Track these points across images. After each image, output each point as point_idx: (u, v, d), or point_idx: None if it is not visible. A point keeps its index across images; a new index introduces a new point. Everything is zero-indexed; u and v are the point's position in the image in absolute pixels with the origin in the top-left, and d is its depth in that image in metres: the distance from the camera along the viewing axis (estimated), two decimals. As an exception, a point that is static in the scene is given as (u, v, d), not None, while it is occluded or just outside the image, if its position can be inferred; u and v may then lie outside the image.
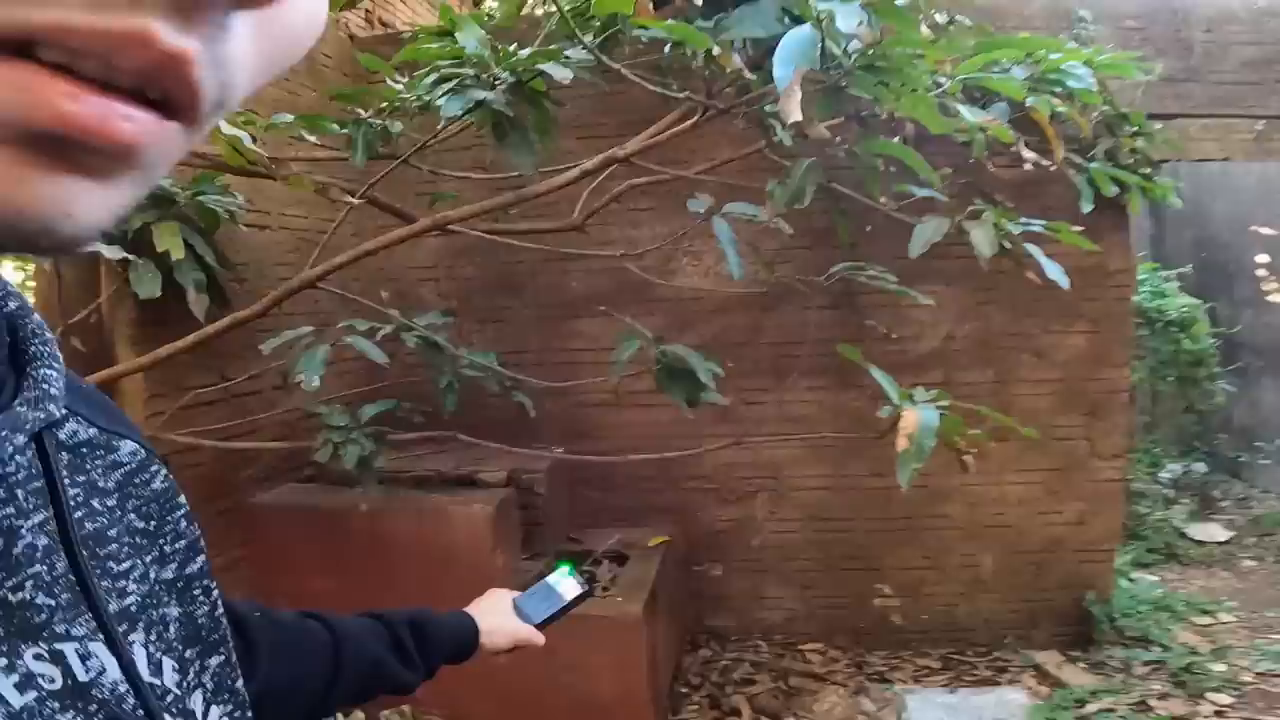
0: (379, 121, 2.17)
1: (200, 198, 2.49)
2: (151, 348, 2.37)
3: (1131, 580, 4.37)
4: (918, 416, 2.21)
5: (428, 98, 1.76)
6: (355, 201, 2.11)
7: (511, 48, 1.83)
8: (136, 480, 0.47)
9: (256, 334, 2.68)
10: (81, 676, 0.38)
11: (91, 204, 0.26)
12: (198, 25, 0.24)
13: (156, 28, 0.23)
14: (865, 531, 3.86)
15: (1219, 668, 3.53)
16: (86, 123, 0.23)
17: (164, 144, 0.27)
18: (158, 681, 0.43)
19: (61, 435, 0.43)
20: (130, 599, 0.43)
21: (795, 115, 1.17)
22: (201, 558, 0.50)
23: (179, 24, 0.24)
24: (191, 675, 0.45)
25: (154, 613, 0.44)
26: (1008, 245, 2.48)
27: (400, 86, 2.14)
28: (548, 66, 1.59)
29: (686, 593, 3.84)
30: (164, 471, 0.49)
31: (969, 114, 1.96)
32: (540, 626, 1.10)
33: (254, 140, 1.88)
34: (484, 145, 2.85)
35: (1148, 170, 3.49)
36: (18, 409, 0.38)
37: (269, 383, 3.07)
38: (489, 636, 1.05)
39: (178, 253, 2.27)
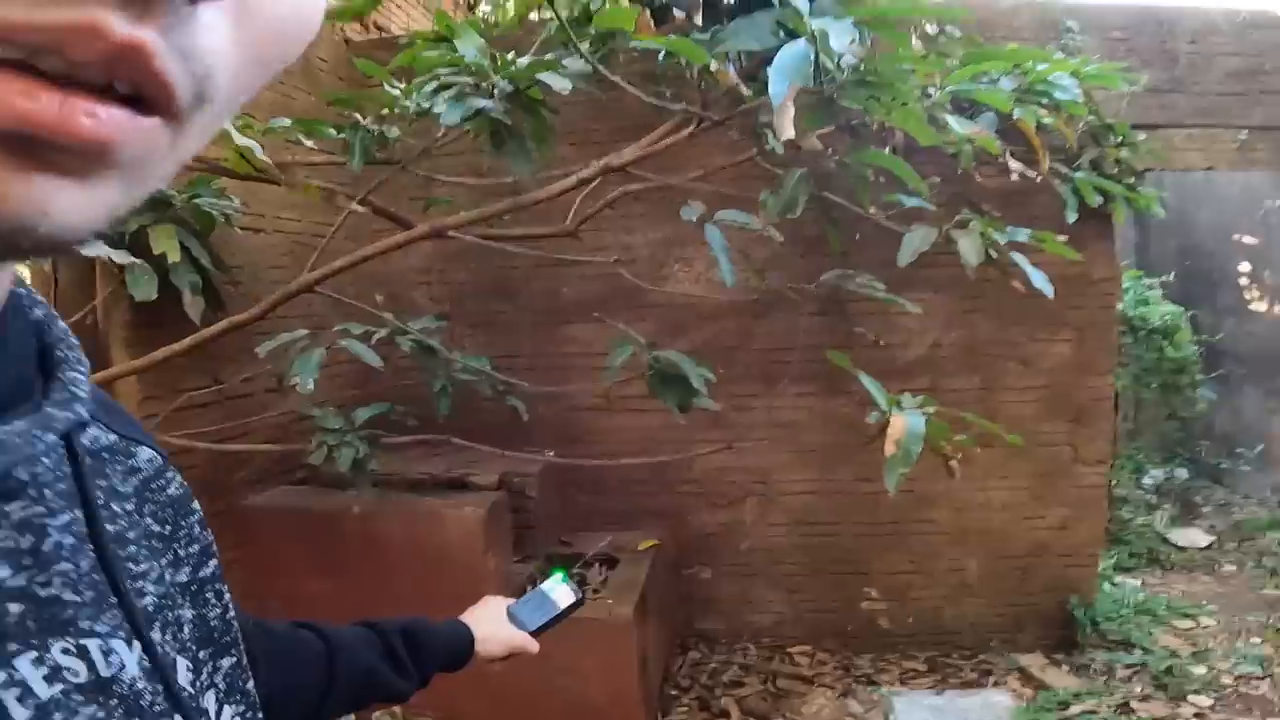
0: (376, 127, 2.19)
1: (196, 200, 2.50)
2: (146, 350, 2.38)
3: (1114, 584, 4.43)
4: (905, 422, 2.24)
5: (427, 105, 1.78)
6: (361, 209, 2.13)
7: (509, 56, 1.86)
8: (153, 486, 0.48)
9: (250, 336, 2.69)
10: (104, 672, 0.39)
11: (70, 203, 0.25)
12: (153, 15, 0.24)
13: (107, 18, 0.23)
14: (853, 536, 3.89)
15: (1199, 670, 3.59)
16: (44, 120, 0.23)
17: (143, 142, 0.26)
18: (175, 680, 0.43)
19: (85, 440, 0.44)
20: (148, 599, 0.44)
21: (789, 132, 1.21)
22: (214, 562, 0.51)
23: (133, 14, 0.23)
24: (204, 675, 0.46)
25: (169, 614, 0.45)
26: (994, 254, 2.52)
27: (397, 92, 2.16)
28: (547, 77, 1.62)
29: (676, 596, 3.86)
30: (179, 478, 0.50)
31: (957, 125, 2.00)
32: (535, 634, 1.10)
33: (262, 149, 1.90)
34: (477, 151, 2.87)
35: (1132, 180, 3.54)
36: (48, 410, 0.39)
37: (262, 385, 3.08)
38: (484, 644, 1.05)
39: (174, 255, 2.29)
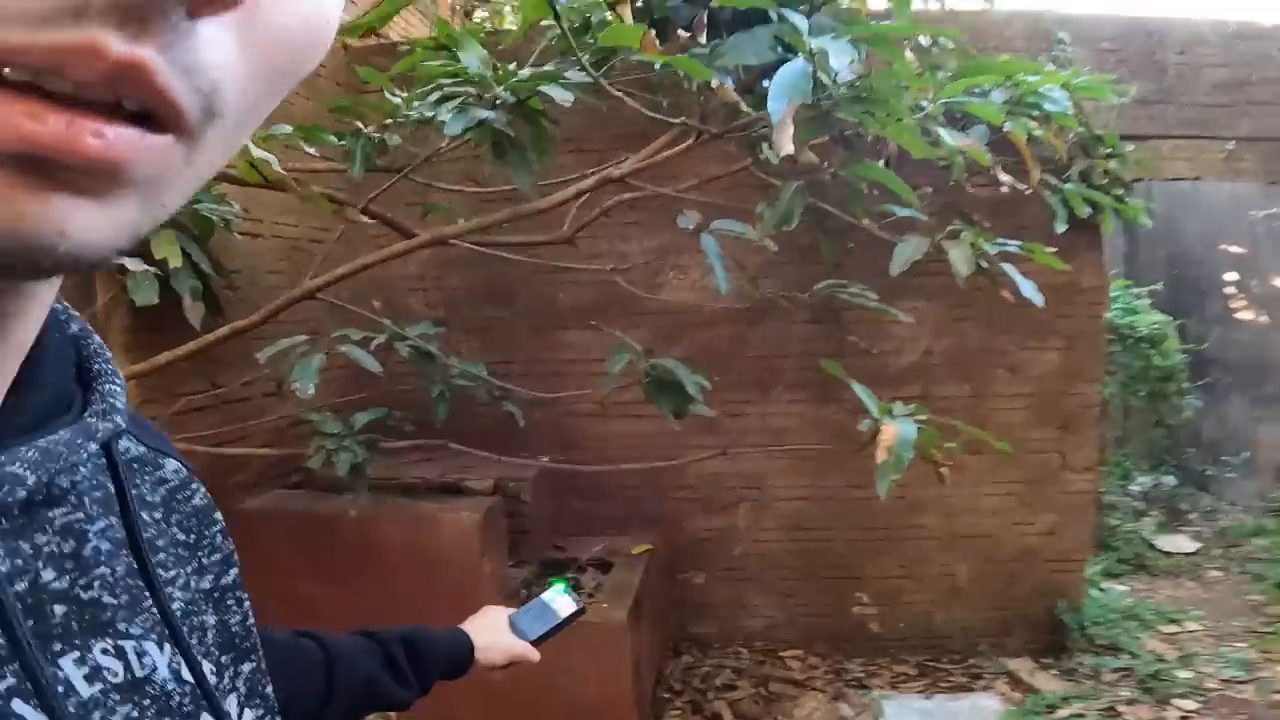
0: (377, 135, 2.21)
1: (196, 206, 2.51)
2: (146, 355, 2.40)
3: (1102, 590, 4.47)
4: (896, 430, 2.27)
5: (430, 114, 1.80)
6: (368, 221, 2.15)
7: (511, 66, 1.88)
8: (179, 496, 0.49)
9: (247, 341, 2.70)
10: (138, 672, 0.40)
11: (88, 222, 0.26)
12: (151, 33, 0.24)
13: (105, 38, 0.23)
14: (844, 541, 3.93)
15: (1185, 675, 3.64)
16: (50, 141, 0.23)
17: (155, 160, 0.27)
18: (206, 680, 0.44)
19: (119, 450, 0.46)
20: (175, 604, 0.45)
21: (788, 148, 1.24)
22: (235, 570, 0.52)
23: (131, 33, 0.24)
24: (226, 679, 0.47)
25: (194, 619, 0.46)
26: (984, 264, 2.55)
27: (398, 100, 2.18)
28: (549, 89, 1.65)
29: (669, 600, 3.89)
30: (202, 490, 0.51)
31: (949, 138, 2.03)
32: (535, 643, 1.11)
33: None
34: (474, 158, 2.90)
35: (1120, 191, 3.59)
36: (88, 420, 0.40)
37: (259, 389, 3.09)
38: (484, 653, 1.06)
39: (175, 260, 2.30)
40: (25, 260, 0.25)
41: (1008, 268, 2.54)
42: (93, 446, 0.40)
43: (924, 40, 3.10)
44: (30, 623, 0.35)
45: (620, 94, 1.72)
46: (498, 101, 1.72)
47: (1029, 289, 2.50)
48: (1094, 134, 3.54)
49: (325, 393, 3.39)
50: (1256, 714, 3.37)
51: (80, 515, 0.40)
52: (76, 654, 0.38)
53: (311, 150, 2.39)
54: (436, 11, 4.68)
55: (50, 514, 0.39)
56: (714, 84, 1.41)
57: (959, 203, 3.37)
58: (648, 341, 3.16)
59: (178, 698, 0.42)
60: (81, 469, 0.41)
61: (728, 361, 3.75)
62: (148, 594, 0.43)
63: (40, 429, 0.38)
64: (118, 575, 0.41)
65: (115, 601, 0.41)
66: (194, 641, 0.46)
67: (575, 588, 3.18)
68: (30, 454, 0.36)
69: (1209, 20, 4.06)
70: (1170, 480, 6.51)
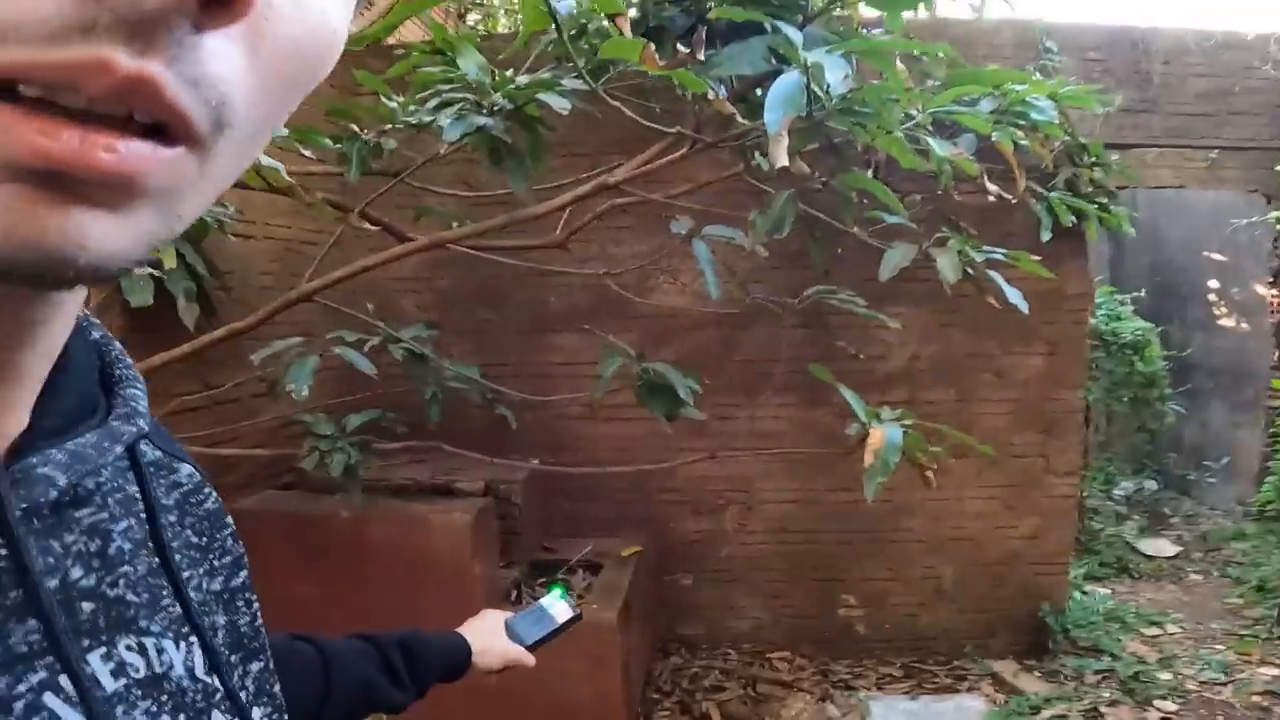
0: (372, 138, 2.22)
1: (191, 207, 2.51)
2: (140, 356, 2.40)
3: (1085, 592, 4.53)
4: (883, 433, 2.30)
5: (428, 120, 1.82)
6: (371, 228, 2.17)
7: (509, 73, 1.91)
8: (192, 500, 0.50)
9: (240, 342, 2.71)
10: (157, 669, 0.41)
11: (106, 234, 0.26)
12: (158, 48, 0.25)
13: (114, 53, 0.24)
14: (831, 544, 3.96)
15: (1165, 676, 3.69)
16: (64, 156, 0.24)
17: (168, 171, 0.27)
18: (211, 680, 0.45)
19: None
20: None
21: (783, 161, 1.27)
22: (244, 573, 0.53)
23: (138, 48, 0.24)
24: (236, 679, 0.48)
25: (206, 620, 0.47)
26: (971, 271, 2.59)
27: (394, 104, 2.19)
28: (547, 96, 1.67)
29: (658, 602, 3.91)
30: (214, 494, 0.52)
31: (938, 147, 2.07)
32: (531, 648, 1.12)
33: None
34: (466, 161, 2.91)
35: (1105, 199, 3.64)
36: (113, 424, 0.41)
37: (250, 390, 3.10)
38: (481, 656, 1.06)
39: (170, 262, 2.31)
40: (49, 271, 0.26)
41: (994, 275, 2.57)
42: (118, 449, 0.41)
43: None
44: (63, 618, 0.36)
45: (618, 105, 1.74)
46: (495, 108, 1.74)
47: (1014, 296, 2.53)
48: (1079, 143, 3.59)
49: (317, 394, 3.40)
50: (1235, 715, 3.43)
51: (105, 516, 0.41)
52: (103, 649, 0.39)
53: (307, 153, 2.40)
54: (432, 12, 4.67)
55: (77, 514, 0.40)
56: (710, 96, 1.44)
57: (946, 209, 3.41)
58: (638, 345, 3.18)
59: (191, 694, 0.43)
60: (104, 471, 0.42)
61: (717, 365, 3.78)
62: (165, 593, 0.44)
63: (68, 432, 0.39)
64: (139, 574, 0.42)
65: (138, 600, 0.42)
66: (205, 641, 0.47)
67: (550, 587, 3.19)
68: (60, 456, 0.37)
69: (1193, 30, 4.12)
70: (1152, 485, 6.59)
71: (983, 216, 3.51)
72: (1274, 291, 6.03)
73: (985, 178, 2.67)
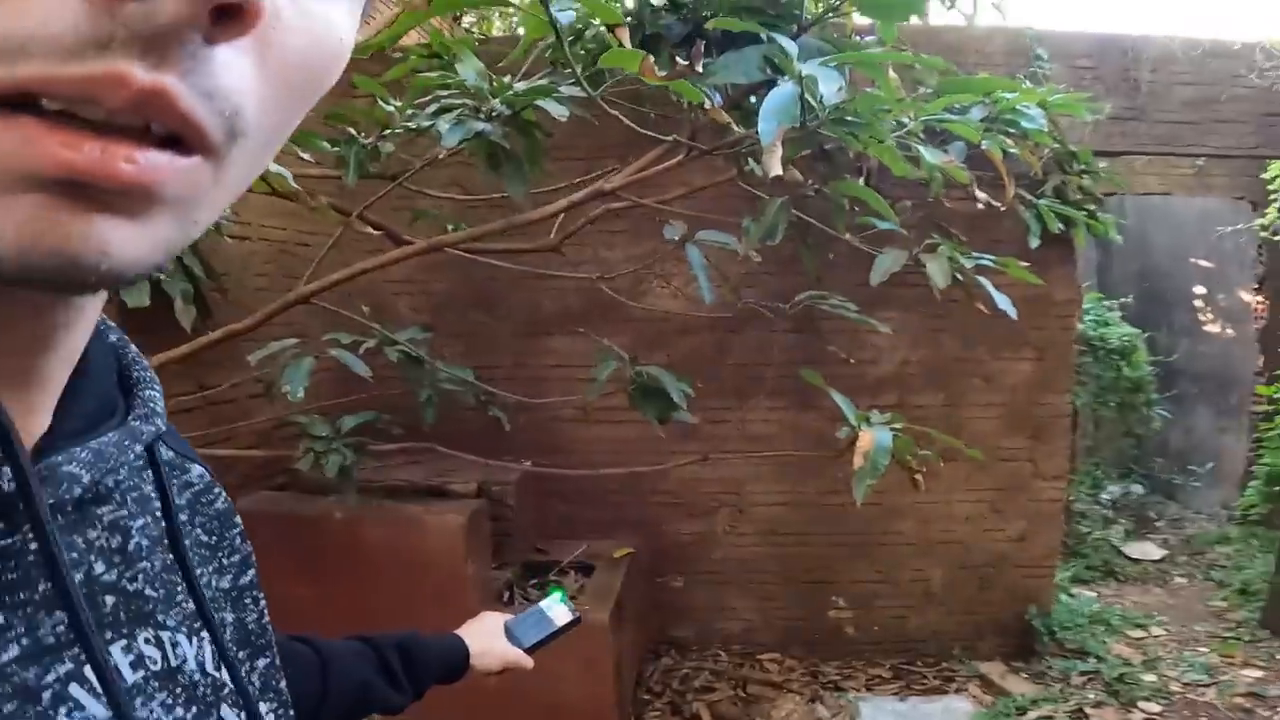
0: (370, 141, 2.24)
1: (189, 209, 2.52)
2: (136, 356, 2.41)
3: (1071, 595, 4.57)
4: (873, 437, 2.32)
5: (427, 124, 1.85)
6: (374, 232, 2.18)
7: (506, 79, 1.93)
8: (203, 499, 0.51)
9: (235, 343, 2.72)
10: (172, 662, 0.43)
11: (127, 241, 0.27)
12: (171, 61, 0.26)
13: (130, 67, 0.25)
14: (821, 546, 3.99)
15: (1150, 678, 3.73)
16: (87, 168, 0.25)
17: (185, 180, 0.28)
18: (220, 675, 0.46)
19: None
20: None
21: (777, 170, 1.29)
22: (252, 571, 0.54)
23: (152, 62, 0.25)
24: (242, 674, 0.49)
25: (215, 616, 0.48)
26: (960, 277, 2.62)
27: (392, 109, 2.21)
28: (545, 103, 1.70)
29: (649, 603, 3.93)
30: (224, 494, 0.53)
31: (929, 155, 2.10)
32: (530, 651, 1.12)
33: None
34: (461, 164, 2.93)
35: (1093, 206, 3.68)
36: (133, 424, 0.42)
37: (244, 391, 3.11)
38: (480, 659, 1.07)
39: (168, 263, 2.32)
40: (73, 277, 0.27)
41: (983, 280, 2.60)
42: (138, 448, 0.42)
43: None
44: (88, 612, 0.36)
45: (616, 114, 1.77)
46: (493, 114, 1.77)
47: (1003, 301, 2.56)
48: (1068, 150, 3.63)
49: (311, 395, 3.40)
50: (1218, 716, 3.47)
51: (124, 513, 0.43)
52: (124, 642, 0.40)
53: (305, 155, 2.41)
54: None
55: (99, 511, 0.41)
56: (707, 106, 1.47)
57: (937, 215, 3.44)
58: (631, 348, 3.20)
59: (202, 688, 0.44)
60: (121, 470, 0.43)
61: (710, 369, 3.80)
62: (179, 589, 0.45)
63: (89, 432, 0.40)
64: (155, 570, 0.44)
65: (155, 595, 0.43)
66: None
67: (549, 590, 3.20)
68: (84, 455, 0.38)
69: (1181, 38, 4.16)
70: (1138, 489, 6.65)
71: (972, 223, 3.54)
72: (1259, 298, 6.10)
73: (975, 185, 2.71)
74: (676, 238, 2.45)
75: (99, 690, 0.36)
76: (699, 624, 4.04)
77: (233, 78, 0.28)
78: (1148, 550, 5.62)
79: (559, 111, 1.69)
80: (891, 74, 2.08)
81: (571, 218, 2.71)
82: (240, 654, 0.50)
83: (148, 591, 0.43)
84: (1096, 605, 4.55)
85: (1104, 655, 3.90)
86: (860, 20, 2.52)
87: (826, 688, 3.71)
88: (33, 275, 0.26)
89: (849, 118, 1.51)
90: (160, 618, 0.43)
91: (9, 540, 0.35)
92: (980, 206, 2.91)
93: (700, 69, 1.55)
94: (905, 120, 2.00)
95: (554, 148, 3.48)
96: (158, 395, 0.46)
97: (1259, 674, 3.80)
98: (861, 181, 2.53)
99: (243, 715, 0.47)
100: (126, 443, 0.41)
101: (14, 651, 0.34)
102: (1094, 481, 6.53)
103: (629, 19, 2.06)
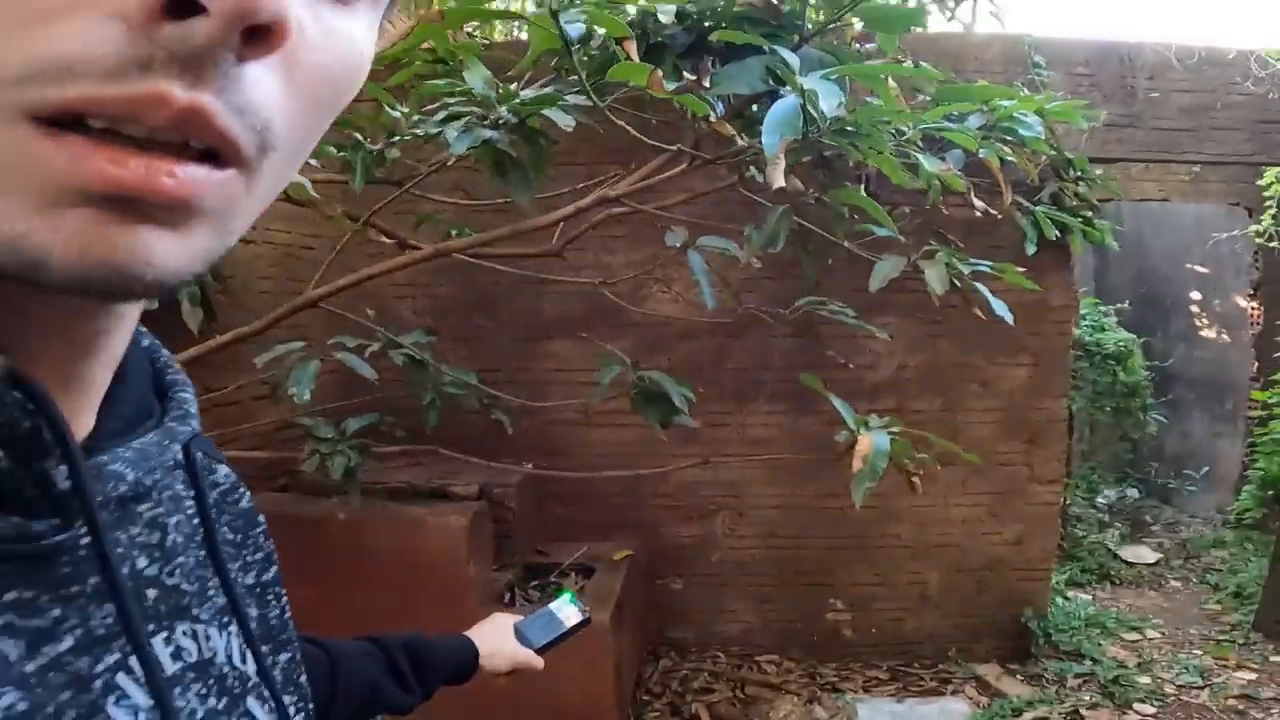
0: (377, 147, 2.26)
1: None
2: (143, 358, 2.42)
3: (1067, 598, 4.60)
4: (872, 441, 2.34)
5: (434, 132, 1.87)
6: (389, 240, 2.20)
7: (513, 87, 1.96)
8: (229, 499, 0.53)
9: (239, 346, 2.74)
10: (205, 654, 0.44)
11: (169, 251, 0.29)
12: (207, 80, 0.27)
13: (169, 87, 0.26)
14: (819, 549, 4.01)
15: (1145, 680, 3.76)
16: (132, 183, 0.27)
17: (221, 192, 0.30)
18: (246, 668, 0.47)
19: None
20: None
21: (780, 182, 1.33)
22: (275, 568, 0.55)
23: (189, 81, 0.27)
24: (268, 666, 0.50)
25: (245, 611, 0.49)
26: (958, 283, 2.65)
27: (398, 114, 2.23)
28: (551, 112, 1.73)
29: (649, 605, 3.95)
30: (248, 494, 0.55)
31: (927, 163, 2.13)
32: (541, 651, 1.12)
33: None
34: (464, 169, 2.95)
35: (1089, 213, 3.71)
36: (170, 425, 0.44)
37: (248, 394, 3.13)
38: (489, 659, 1.07)
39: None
40: (119, 287, 0.28)
41: (980, 287, 2.63)
42: (176, 448, 0.44)
43: (906, 64, 3.20)
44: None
45: (622, 124, 1.80)
46: (500, 121, 1.79)
47: (1000, 307, 2.59)
48: (1065, 157, 3.66)
49: (314, 398, 3.41)
50: (1212, 718, 3.50)
51: (161, 510, 0.44)
52: (165, 634, 0.42)
53: (312, 161, 2.44)
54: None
55: (139, 509, 0.43)
56: (712, 119, 1.50)
57: (934, 222, 3.46)
58: (631, 352, 3.21)
59: (230, 680, 0.46)
60: (157, 470, 0.44)
61: (709, 373, 3.82)
62: (210, 584, 0.47)
63: (129, 433, 0.42)
64: (189, 566, 0.45)
65: (190, 589, 0.45)
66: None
67: (559, 592, 3.22)
68: (128, 454, 0.40)
69: (1178, 46, 4.19)
70: (1134, 493, 6.68)
71: (970, 229, 3.56)
72: (1254, 304, 6.13)
73: (972, 192, 2.74)
74: (678, 244, 2.48)
75: (142, 680, 0.38)
76: (698, 626, 4.05)
77: (263, 94, 0.30)
78: (1143, 554, 5.65)
79: (565, 121, 1.72)
80: (891, 82, 2.11)
81: (573, 223, 2.74)
82: (264, 648, 0.51)
83: (183, 586, 0.44)
84: (1092, 608, 4.58)
85: (1099, 657, 3.93)
86: (860, 26, 2.56)
87: (824, 689, 3.74)
88: (82, 285, 0.28)
89: (849, 128, 1.54)
90: (195, 611, 0.45)
91: (63, 536, 0.36)
92: (978, 213, 2.94)
93: (707, 83, 1.58)
94: (904, 129, 2.03)
95: (556, 153, 3.47)
96: (191, 397, 0.48)
97: (1252, 676, 3.83)
98: (861, 189, 2.56)
99: (268, 707, 0.48)
100: (165, 443, 0.43)
101: (69, 642, 0.35)
102: (1090, 486, 6.56)
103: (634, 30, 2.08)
